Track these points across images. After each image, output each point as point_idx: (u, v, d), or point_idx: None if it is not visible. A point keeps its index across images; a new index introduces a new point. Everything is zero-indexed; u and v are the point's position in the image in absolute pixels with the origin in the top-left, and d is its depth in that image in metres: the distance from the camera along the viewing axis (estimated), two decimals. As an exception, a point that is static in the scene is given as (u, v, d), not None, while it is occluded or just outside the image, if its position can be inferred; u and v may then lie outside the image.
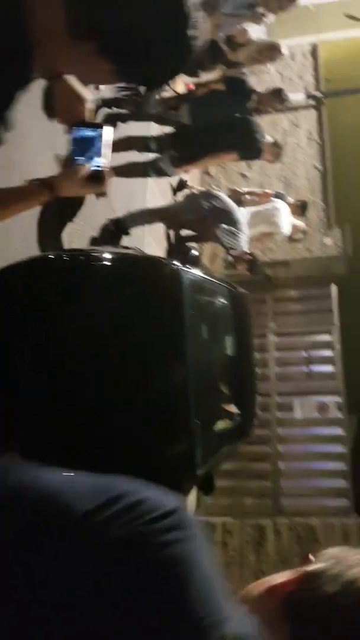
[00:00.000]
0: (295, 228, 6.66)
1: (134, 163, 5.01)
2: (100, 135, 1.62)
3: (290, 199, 6.79)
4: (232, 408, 4.63)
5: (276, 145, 5.43)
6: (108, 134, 1.63)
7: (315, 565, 0.92)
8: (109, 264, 3.27)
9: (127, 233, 5.28)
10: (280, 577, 0.97)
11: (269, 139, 5.33)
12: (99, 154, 1.62)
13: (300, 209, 6.58)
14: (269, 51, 4.66)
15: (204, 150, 4.79)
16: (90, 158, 1.61)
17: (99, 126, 1.64)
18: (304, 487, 7.35)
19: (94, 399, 3.25)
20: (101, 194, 1.69)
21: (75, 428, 3.17)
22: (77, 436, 3.18)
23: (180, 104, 5.00)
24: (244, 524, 6.84)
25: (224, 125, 5.01)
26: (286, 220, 6.38)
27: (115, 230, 5.11)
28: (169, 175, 5.02)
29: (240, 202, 6.32)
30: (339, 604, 0.84)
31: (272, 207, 6.38)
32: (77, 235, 4.61)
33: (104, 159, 1.62)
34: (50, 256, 3.02)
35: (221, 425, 4.61)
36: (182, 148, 4.78)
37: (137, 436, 3.44)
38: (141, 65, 1.27)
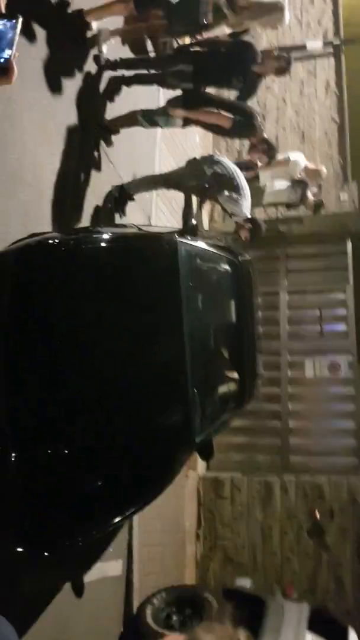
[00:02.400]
0: (314, 172, 6.66)
1: (129, 114, 5.02)
2: (15, 27, 1.61)
3: (312, 165, 6.81)
4: (233, 374, 4.72)
5: (270, 147, 5.61)
6: (20, 27, 1.62)
7: None
8: (101, 245, 3.32)
9: (131, 199, 5.28)
10: None
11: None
12: (10, 46, 1.60)
13: (315, 207, 6.71)
14: (271, 14, 4.51)
15: (203, 103, 4.80)
16: (1, 49, 1.60)
17: (13, 17, 1.62)
18: (313, 445, 7.48)
19: (93, 374, 3.38)
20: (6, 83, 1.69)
21: (74, 399, 3.32)
22: (77, 405, 3.33)
23: (184, 62, 4.91)
24: (251, 480, 7.04)
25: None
26: (299, 157, 6.50)
27: (119, 197, 5.12)
28: (160, 126, 5.10)
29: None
30: None
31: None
32: (79, 204, 4.63)
33: (14, 51, 1.60)
34: (40, 242, 3.06)
35: (222, 391, 4.72)
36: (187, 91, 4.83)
37: (136, 406, 3.58)
38: None
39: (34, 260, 3.00)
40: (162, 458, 3.75)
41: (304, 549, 6.67)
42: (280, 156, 6.83)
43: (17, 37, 1.62)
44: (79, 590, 4.31)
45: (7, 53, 1.61)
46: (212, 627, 1.01)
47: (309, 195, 7.03)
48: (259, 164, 6.06)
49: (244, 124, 4.80)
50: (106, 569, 4.84)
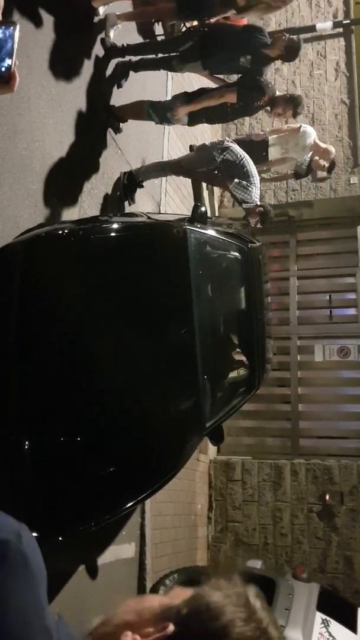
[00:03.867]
0: (323, 150, 6.61)
1: (136, 104, 4.98)
2: (13, 35, 1.58)
3: (322, 144, 6.77)
4: (242, 360, 4.75)
5: (291, 95, 5.42)
6: (18, 33, 1.59)
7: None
8: (110, 235, 3.35)
9: (141, 186, 5.29)
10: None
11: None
12: (10, 55, 1.57)
13: (328, 169, 6.66)
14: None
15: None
16: (1, 59, 1.57)
17: (11, 25, 1.59)
18: (322, 428, 7.53)
19: (103, 362, 3.42)
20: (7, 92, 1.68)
21: (85, 387, 3.36)
22: (88, 392, 3.38)
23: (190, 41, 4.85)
24: (262, 463, 7.11)
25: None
26: (311, 130, 6.47)
27: (128, 184, 5.13)
28: (169, 121, 5.00)
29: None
30: None
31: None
32: (88, 192, 4.65)
33: (14, 59, 1.57)
34: (49, 232, 3.09)
35: (232, 376, 4.76)
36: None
37: (147, 392, 3.63)
38: None
39: (44, 251, 3.02)
40: (173, 443, 3.80)
41: (313, 531, 6.75)
42: (291, 124, 6.75)
43: (16, 45, 1.60)
44: (93, 572, 4.41)
45: (7, 62, 1.60)
46: (220, 583, 0.98)
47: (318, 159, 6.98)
48: (288, 123, 5.97)
49: (250, 89, 4.71)
50: (119, 551, 4.93)
